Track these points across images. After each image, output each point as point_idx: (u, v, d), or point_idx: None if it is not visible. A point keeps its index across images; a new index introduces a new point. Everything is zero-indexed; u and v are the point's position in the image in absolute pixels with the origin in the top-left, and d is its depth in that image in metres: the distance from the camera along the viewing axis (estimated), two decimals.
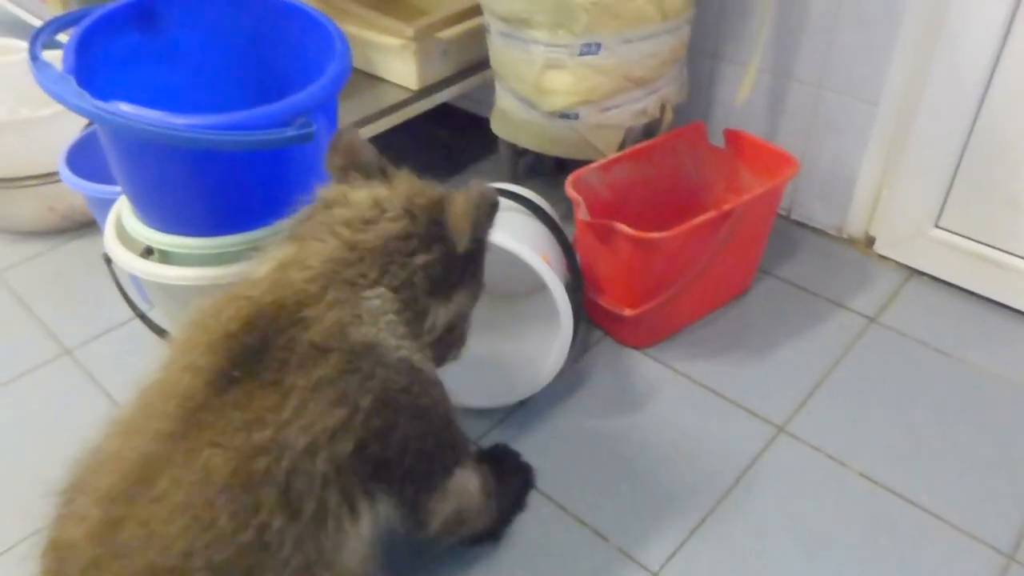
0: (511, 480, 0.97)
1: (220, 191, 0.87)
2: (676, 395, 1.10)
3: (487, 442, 1.04)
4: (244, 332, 0.67)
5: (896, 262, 1.32)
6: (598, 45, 1.13)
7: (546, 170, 1.43)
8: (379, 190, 0.75)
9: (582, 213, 1.08)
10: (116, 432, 0.69)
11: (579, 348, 1.16)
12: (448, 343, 0.81)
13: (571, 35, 1.12)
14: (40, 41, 0.83)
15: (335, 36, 0.92)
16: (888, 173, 1.28)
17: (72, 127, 1.29)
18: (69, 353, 1.21)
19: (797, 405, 1.08)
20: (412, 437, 0.71)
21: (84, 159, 1.20)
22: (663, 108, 1.24)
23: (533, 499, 0.98)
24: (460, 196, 0.75)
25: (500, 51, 1.22)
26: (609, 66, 1.15)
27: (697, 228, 1.06)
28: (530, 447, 1.03)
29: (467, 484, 0.82)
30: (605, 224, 1.05)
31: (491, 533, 0.92)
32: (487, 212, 0.76)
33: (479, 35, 1.30)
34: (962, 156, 1.19)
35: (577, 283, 1.09)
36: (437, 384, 0.77)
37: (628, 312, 1.10)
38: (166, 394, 0.67)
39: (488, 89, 1.36)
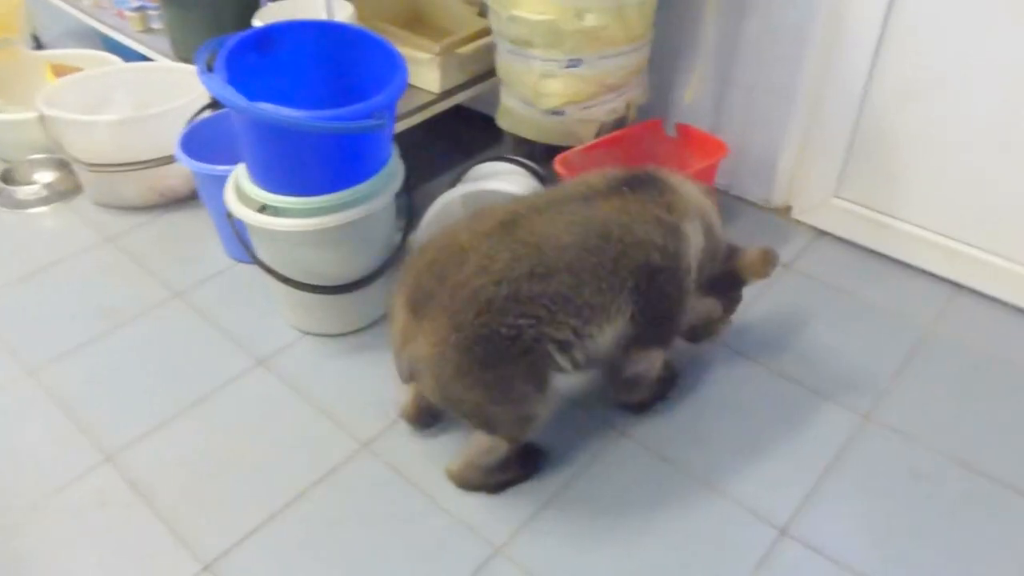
0: (666, 378, 1.33)
1: (320, 163, 1.25)
2: None
3: None
4: (631, 172, 1.17)
5: (808, 225, 1.72)
6: (580, 60, 1.52)
7: (539, 157, 1.82)
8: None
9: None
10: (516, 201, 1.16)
11: None
12: (701, 330, 1.33)
13: (561, 53, 1.51)
14: (202, 60, 1.20)
15: (396, 56, 1.30)
16: (801, 156, 1.69)
17: (172, 122, 1.66)
18: (180, 296, 1.58)
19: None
20: (667, 296, 1.14)
21: (192, 147, 1.57)
22: (628, 107, 1.63)
23: None
24: (756, 252, 1.26)
25: (507, 63, 1.61)
26: (589, 76, 1.54)
27: None
28: None
29: (656, 362, 1.23)
30: None
31: (637, 409, 1.30)
32: (774, 266, 1.26)
33: (489, 51, 1.69)
34: (852, 143, 1.60)
35: None
36: (690, 298, 1.19)
37: None
38: (572, 189, 1.15)
39: (494, 94, 1.74)
